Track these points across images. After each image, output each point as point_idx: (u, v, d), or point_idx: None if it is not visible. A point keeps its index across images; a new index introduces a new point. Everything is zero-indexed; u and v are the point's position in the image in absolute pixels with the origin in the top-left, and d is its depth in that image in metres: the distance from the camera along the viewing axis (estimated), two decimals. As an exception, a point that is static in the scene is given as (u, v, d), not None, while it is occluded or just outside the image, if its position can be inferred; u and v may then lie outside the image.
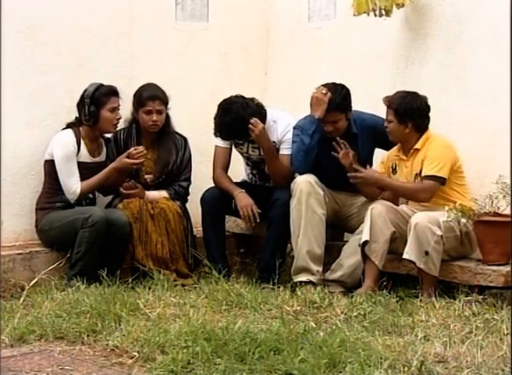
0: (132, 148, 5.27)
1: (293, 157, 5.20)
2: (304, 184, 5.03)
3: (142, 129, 5.44)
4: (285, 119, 5.38)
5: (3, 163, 5.26)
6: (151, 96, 5.35)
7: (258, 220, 5.29)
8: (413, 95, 4.89)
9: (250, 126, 5.18)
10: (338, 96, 5.07)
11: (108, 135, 5.43)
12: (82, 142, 5.24)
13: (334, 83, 5.12)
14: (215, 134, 5.34)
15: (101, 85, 5.25)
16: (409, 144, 4.93)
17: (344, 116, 5.12)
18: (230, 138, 5.38)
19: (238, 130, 5.24)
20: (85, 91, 5.24)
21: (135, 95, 5.41)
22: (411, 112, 4.84)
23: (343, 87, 5.12)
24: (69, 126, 5.28)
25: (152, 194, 5.37)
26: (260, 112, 5.32)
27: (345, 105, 5.10)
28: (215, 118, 5.30)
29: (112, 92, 5.26)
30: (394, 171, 5.04)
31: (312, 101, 5.08)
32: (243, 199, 5.30)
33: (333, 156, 5.12)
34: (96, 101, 5.20)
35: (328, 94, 5.03)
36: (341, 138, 5.15)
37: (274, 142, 5.36)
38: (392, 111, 4.88)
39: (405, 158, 4.96)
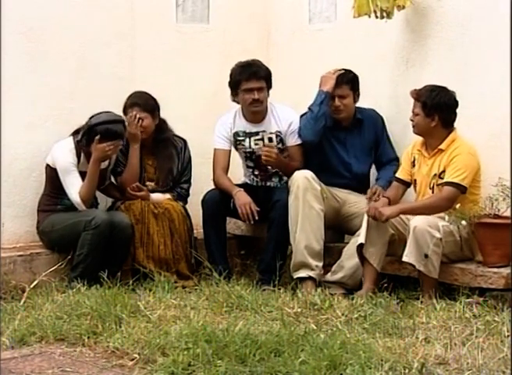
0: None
1: (301, 128, 5.30)
2: (301, 180, 5.05)
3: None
4: (285, 110, 5.48)
5: (4, 165, 5.26)
6: (130, 104, 5.37)
7: (257, 218, 5.27)
8: (442, 89, 4.85)
9: (265, 151, 5.27)
10: (349, 73, 5.28)
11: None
12: (82, 152, 5.21)
13: (344, 69, 5.30)
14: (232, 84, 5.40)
15: (106, 122, 5.11)
16: (433, 140, 4.88)
17: (352, 95, 5.27)
18: (261, 70, 5.38)
19: (260, 65, 5.39)
20: (92, 117, 5.16)
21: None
22: (439, 105, 4.81)
23: (351, 71, 5.31)
24: (74, 132, 5.23)
25: (156, 196, 5.37)
26: None
27: (354, 82, 5.28)
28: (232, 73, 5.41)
29: (110, 135, 5.11)
30: (413, 164, 5.03)
31: (321, 80, 5.25)
32: (241, 197, 5.30)
33: (340, 144, 5.26)
34: (89, 137, 5.11)
35: (337, 72, 5.21)
36: (348, 125, 5.31)
37: (279, 132, 5.44)
38: (420, 103, 4.85)
39: (427, 156, 4.92)
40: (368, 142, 5.36)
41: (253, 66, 5.38)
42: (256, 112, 5.42)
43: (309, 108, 5.30)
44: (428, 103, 4.82)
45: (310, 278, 5.00)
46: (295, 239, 5.06)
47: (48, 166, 5.24)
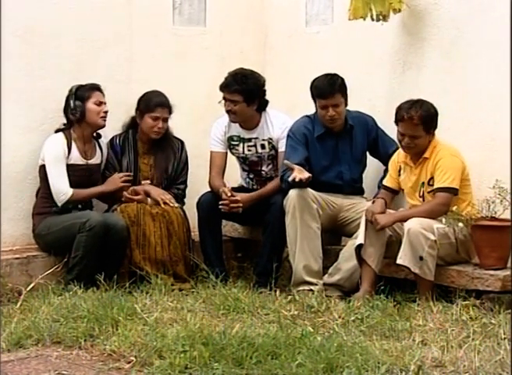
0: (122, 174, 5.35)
1: (281, 177, 5.19)
2: (297, 200, 5.04)
3: (141, 133, 5.45)
4: (280, 117, 5.46)
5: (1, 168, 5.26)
6: (161, 103, 5.39)
7: (229, 194, 5.26)
8: (423, 102, 4.83)
9: (233, 207, 5.24)
10: (337, 79, 5.17)
11: (105, 141, 5.45)
12: (73, 144, 5.26)
13: (326, 74, 5.20)
14: (222, 86, 5.37)
15: (84, 84, 5.31)
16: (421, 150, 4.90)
17: (344, 102, 5.18)
18: (236, 83, 5.32)
19: (246, 78, 5.31)
20: (69, 91, 5.29)
21: (142, 99, 5.43)
22: (432, 118, 4.80)
23: (338, 76, 5.20)
24: (59, 130, 5.28)
25: (156, 190, 5.37)
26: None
27: (344, 88, 5.18)
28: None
29: (95, 88, 5.30)
30: (399, 173, 5.03)
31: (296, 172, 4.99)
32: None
33: (332, 152, 5.21)
34: (80, 96, 5.25)
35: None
36: (339, 131, 5.24)
37: (271, 139, 5.44)
38: (420, 125, 4.75)
39: (413, 166, 4.92)
40: (361, 148, 5.31)
41: (231, 78, 5.35)
42: (232, 121, 5.45)
43: (293, 139, 5.21)
44: (428, 120, 4.77)
45: (310, 290, 4.98)
46: (294, 259, 5.07)
47: (41, 166, 5.25)
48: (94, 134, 5.39)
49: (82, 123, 5.28)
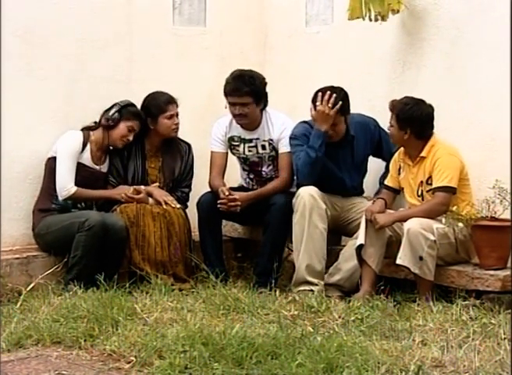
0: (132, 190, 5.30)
1: (298, 170, 5.16)
2: (307, 199, 5.02)
3: (156, 136, 5.45)
4: (279, 118, 5.43)
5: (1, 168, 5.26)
6: (169, 100, 5.41)
7: (227, 193, 5.24)
8: (417, 103, 4.85)
9: (230, 206, 5.21)
10: (337, 97, 5.04)
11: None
12: (88, 145, 5.29)
13: (332, 87, 5.11)
14: (225, 89, 5.31)
15: (134, 106, 5.35)
16: (412, 150, 4.91)
17: (343, 119, 5.13)
18: (245, 85, 5.27)
19: (252, 79, 5.27)
20: (120, 101, 5.33)
21: (148, 105, 5.41)
22: (411, 120, 4.81)
23: (341, 89, 5.12)
24: (81, 129, 5.34)
25: (159, 191, 5.36)
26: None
27: (344, 107, 5.10)
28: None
29: (140, 117, 5.34)
30: (399, 172, 5.04)
31: (318, 114, 5.03)
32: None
33: (332, 160, 5.15)
34: (121, 113, 5.29)
35: (336, 108, 5.00)
36: (340, 142, 5.19)
37: (271, 140, 5.42)
38: (394, 116, 4.88)
39: (411, 164, 4.94)
40: (362, 154, 5.28)
41: (238, 81, 5.28)
42: (241, 125, 5.42)
43: (299, 139, 5.16)
44: (401, 116, 4.84)
45: (311, 290, 4.98)
46: (298, 258, 5.05)
47: (49, 159, 5.25)
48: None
49: (105, 131, 5.31)
